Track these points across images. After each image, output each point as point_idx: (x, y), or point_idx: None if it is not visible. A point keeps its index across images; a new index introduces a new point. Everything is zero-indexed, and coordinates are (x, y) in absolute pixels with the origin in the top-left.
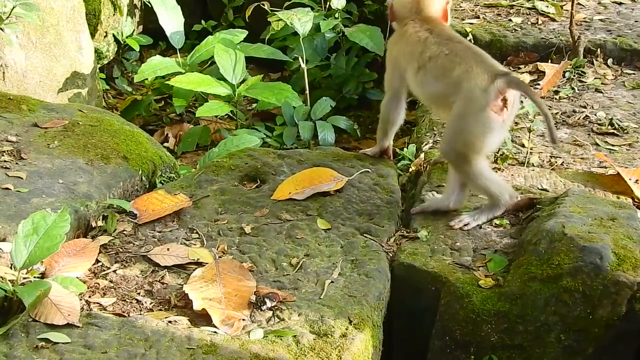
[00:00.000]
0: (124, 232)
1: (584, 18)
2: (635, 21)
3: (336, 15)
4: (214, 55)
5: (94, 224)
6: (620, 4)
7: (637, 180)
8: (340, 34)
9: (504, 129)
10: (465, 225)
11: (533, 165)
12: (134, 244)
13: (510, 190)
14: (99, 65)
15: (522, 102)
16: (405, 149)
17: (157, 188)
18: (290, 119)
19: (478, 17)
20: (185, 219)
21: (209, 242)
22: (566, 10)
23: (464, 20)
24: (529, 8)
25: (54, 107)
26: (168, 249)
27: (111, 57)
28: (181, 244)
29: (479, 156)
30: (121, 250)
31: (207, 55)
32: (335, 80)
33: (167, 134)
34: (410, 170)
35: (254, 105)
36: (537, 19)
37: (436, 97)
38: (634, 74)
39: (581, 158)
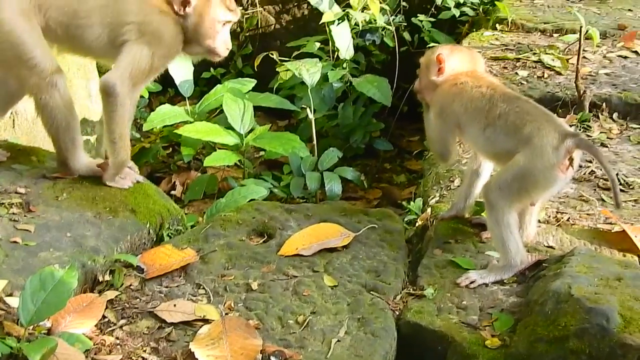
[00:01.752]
0: (131, 286)
1: (590, 72)
2: None
3: (344, 65)
4: (223, 105)
5: (101, 279)
6: (625, 57)
7: None
8: (348, 84)
9: (562, 186)
10: (471, 283)
11: (539, 222)
12: (140, 300)
13: (524, 254)
14: None
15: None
16: (412, 202)
17: (165, 242)
18: (297, 170)
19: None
20: (192, 274)
21: (215, 298)
22: (572, 63)
23: None
24: (534, 61)
25: None
26: (175, 305)
27: None
28: (188, 299)
29: (520, 206)
30: (128, 305)
31: (215, 104)
32: (343, 130)
33: (174, 182)
34: (417, 224)
35: (262, 153)
36: (543, 72)
37: (503, 152)
38: (639, 128)
39: (587, 214)
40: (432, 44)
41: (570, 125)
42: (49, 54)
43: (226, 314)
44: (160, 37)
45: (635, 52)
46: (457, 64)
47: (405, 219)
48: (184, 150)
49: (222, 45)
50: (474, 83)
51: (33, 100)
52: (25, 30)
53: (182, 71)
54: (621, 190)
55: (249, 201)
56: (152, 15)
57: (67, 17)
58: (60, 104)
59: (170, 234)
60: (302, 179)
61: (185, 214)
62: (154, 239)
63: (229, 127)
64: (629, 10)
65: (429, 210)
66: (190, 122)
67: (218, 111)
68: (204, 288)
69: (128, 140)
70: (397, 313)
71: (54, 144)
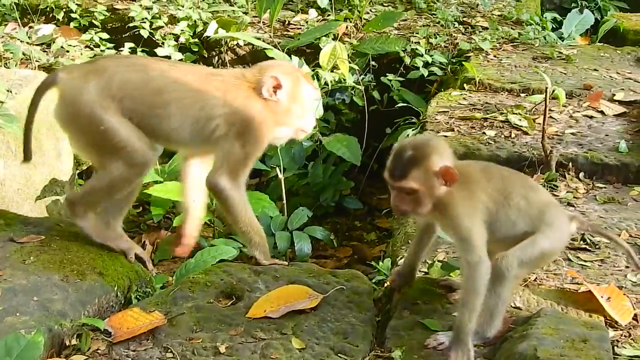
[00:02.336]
0: (98, 351)
1: (556, 131)
2: (606, 135)
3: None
4: None
5: (67, 343)
6: (591, 117)
7: (609, 298)
8: (318, 143)
9: None
10: (440, 345)
11: None
12: None
13: (500, 326)
14: (77, 172)
15: None
16: (380, 262)
17: (133, 305)
18: (267, 229)
19: (452, 130)
20: (160, 338)
21: None
22: (539, 123)
23: (438, 133)
24: (502, 121)
25: (31, 221)
26: None
27: (89, 164)
28: None
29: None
30: None
31: None
32: (313, 188)
33: (144, 242)
34: (385, 285)
35: None
36: (511, 132)
37: (520, 235)
38: (605, 187)
39: (554, 274)
40: (401, 103)
41: None
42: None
43: None
44: (250, 124)
45: (601, 111)
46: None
47: (374, 279)
48: (153, 210)
49: (311, 123)
50: (480, 175)
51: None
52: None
53: None
54: (587, 250)
55: (218, 262)
56: (239, 104)
57: (143, 107)
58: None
59: (138, 297)
60: (272, 239)
61: (156, 273)
62: (122, 302)
63: None
64: (595, 70)
65: (395, 269)
66: (160, 182)
67: None
68: (171, 352)
69: (255, 223)
70: None
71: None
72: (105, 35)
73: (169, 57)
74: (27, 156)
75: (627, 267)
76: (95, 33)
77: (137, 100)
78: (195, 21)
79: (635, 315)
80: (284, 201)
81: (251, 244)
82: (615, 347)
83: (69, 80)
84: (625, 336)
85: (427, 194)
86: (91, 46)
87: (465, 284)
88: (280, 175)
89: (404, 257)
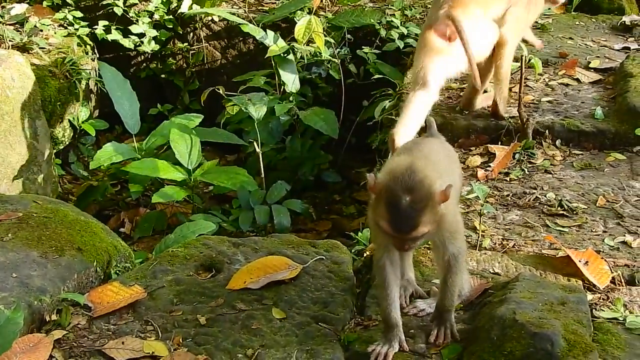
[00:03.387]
0: (79, 325)
1: (533, 100)
2: (582, 102)
3: (291, 98)
4: (170, 141)
5: (47, 318)
6: (567, 85)
7: (586, 262)
8: (295, 117)
9: None
10: (420, 312)
11: (485, 249)
12: (88, 338)
13: (470, 283)
14: (54, 151)
15: (471, 186)
16: (360, 232)
17: (112, 279)
18: (246, 203)
19: None
20: (140, 311)
21: (164, 335)
22: (515, 92)
23: None
24: None
25: (8, 198)
26: (123, 343)
27: (67, 142)
28: (136, 336)
29: None
30: (75, 344)
31: (163, 140)
32: (291, 163)
33: (123, 219)
34: (365, 255)
35: (211, 187)
36: None
37: None
38: (581, 154)
39: (532, 240)
40: (377, 76)
41: (514, 153)
42: None
43: (175, 349)
44: None
45: (577, 79)
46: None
47: (354, 250)
48: (132, 187)
49: None
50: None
51: None
52: None
53: (128, 109)
54: (565, 216)
55: (197, 236)
56: None
57: None
58: None
59: (118, 272)
60: (251, 213)
61: (135, 250)
62: (102, 277)
63: (177, 163)
64: (570, 38)
65: None
66: (138, 159)
67: (165, 147)
68: (152, 324)
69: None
70: (346, 343)
71: None
72: (78, 14)
73: (143, 35)
74: None
75: (604, 231)
76: (69, 11)
77: None
78: None
79: (613, 278)
80: (263, 175)
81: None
82: (594, 310)
83: None
84: (603, 299)
85: (435, 224)
86: (65, 25)
87: (452, 270)
88: (258, 150)
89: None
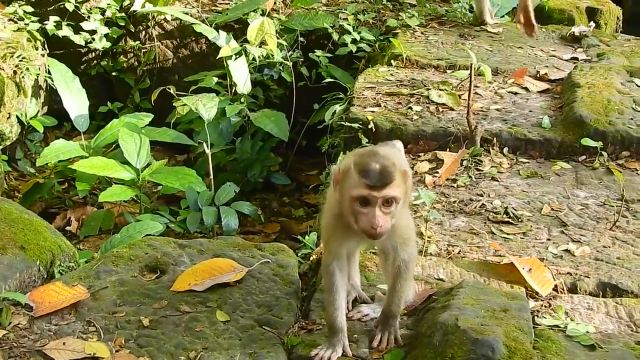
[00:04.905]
0: (19, 325)
1: (482, 107)
2: (530, 111)
3: (242, 100)
4: (119, 140)
5: None
6: (515, 94)
7: (530, 269)
8: (246, 119)
9: None
10: (364, 316)
11: (431, 255)
12: (29, 338)
13: (415, 288)
14: (1, 147)
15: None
16: (307, 236)
17: (55, 279)
18: (194, 204)
19: (379, 105)
20: (82, 312)
21: (106, 336)
22: (464, 99)
23: (365, 108)
24: (428, 97)
25: None
26: (64, 344)
27: (14, 139)
28: (78, 337)
29: None
30: (15, 345)
31: (111, 138)
32: (241, 164)
33: (69, 218)
34: (312, 258)
35: (159, 187)
36: (437, 107)
37: None
38: (528, 162)
39: (477, 247)
40: (329, 79)
41: (462, 160)
42: None
43: (117, 351)
44: None
45: (525, 88)
46: None
47: (300, 253)
48: (79, 186)
49: None
50: None
51: None
52: None
53: (77, 106)
54: (510, 223)
55: (143, 237)
56: None
57: None
58: None
59: (61, 271)
60: (199, 214)
61: (80, 250)
62: (45, 277)
63: (125, 162)
64: (519, 47)
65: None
66: (86, 157)
67: (114, 146)
68: (94, 325)
69: None
70: (289, 347)
71: None
72: (29, 9)
73: (94, 32)
74: None
75: (548, 239)
76: (19, 6)
77: None
78: None
79: (555, 286)
80: (212, 177)
81: None
82: (536, 317)
83: None
84: (545, 306)
85: (402, 199)
86: (15, 19)
87: (402, 276)
88: (208, 151)
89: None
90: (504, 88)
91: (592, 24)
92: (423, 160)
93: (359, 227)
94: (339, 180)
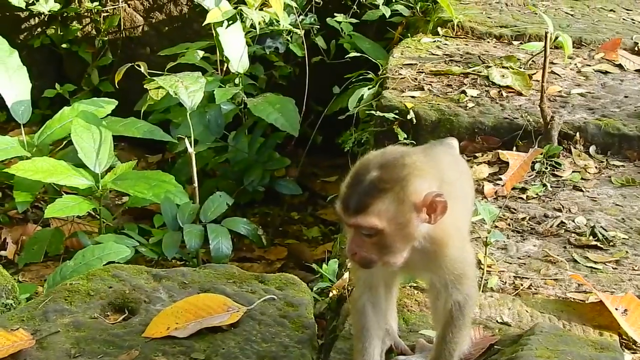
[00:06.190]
0: None
1: (560, 92)
2: (625, 96)
3: (236, 81)
4: (71, 134)
5: None
6: (606, 73)
7: (625, 310)
8: (242, 106)
9: None
10: None
11: (492, 290)
12: None
13: (471, 336)
14: None
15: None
16: (324, 264)
17: None
18: (172, 222)
19: (422, 89)
20: None
21: None
22: (536, 81)
23: (403, 92)
24: (487, 78)
25: None
26: None
27: None
28: None
29: None
30: None
31: (61, 132)
32: (235, 168)
33: (5, 239)
34: (331, 295)
35: (126, 198)
36: (499, 91)
37: None
38: (623, 166)
39: (554, 280)
40: (354, 54)
41: (534, 162)
42: None
43: None
44: None
45: (619, 65)
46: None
47: (316, 288)
48: (18, 197)
49: None
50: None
51: None
52: None
53: (15, 89)
54: (599, 248)
55: (105, 264)
56: None
57: None
58: None
59: None
60: (179, 234)
61: (20, 282)
62: None
63: (80, 165)
64: (611, 10)
65: (346, 275)
66: (27, 158)
67: (65, 143)
68: None
69: None
70: None
71: None
72: None
73: None
74: None
75: None
76: None
77: None
78: None
79: None
80: (196, 184)
81: None
82: None
83: None
84: None
85: (399, 236)
86: None
87: (454, 323)
88: (191, 150)
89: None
90: (590, 65)
91: None
92: (481, 163)
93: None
94: None
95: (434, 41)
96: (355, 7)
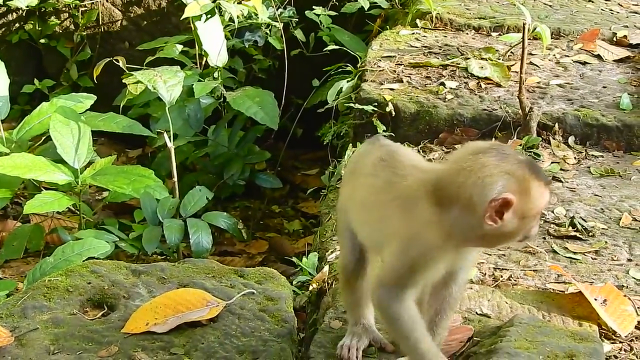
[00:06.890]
0: None
1: (538, 83)
2: (604, 87)
3: (215, 74)
4: (50, 130)
5: None
6: (584, 64)
7: (605, 300)
8: (221, 100)
9: None
10: None
11: (471, 282)
12: None
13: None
14: None
15: None
16: (304, 257)
17: None
18: (152, 216)
19: (401, 81)
20: None
21: None
22: (515, 72)
23: (382, 85)
24: (466, 69)
25: None
26: None
27: None
28: None
29: None
30: None
31: (40, 128)
32: (215, 162)
33: None
34: (311, 288)
35: (105, 194)
36: (478, 83)
37: None
38: (602, 156)
39: (534, 271)
40: (333, 46)
41: None
42: None
43: None
44: None
45: (598, 56)
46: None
47: (296, 281)
48: None
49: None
50: None
51: None
52: None
53: None
54: (578, 239)
55: (85, 260)
56: None
57: None
58: None
59: None
60: (159, 229)
61: (0, 279)
62: None
63: (59, 160)
64: (590, 1)
65: (326, 268)
66: (6, 154)
67: (44, 138)
68: None
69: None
70: None
71: None
72: None
73: None
74: None
75: (629, 260)
76: None
77: None
78: None
79: (639, 322)
80: (175, 179)
81: None
82: None
83: None
84: (625, 350)
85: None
86: None
87: (450, 307)
88: (170, 144)
89: None
90: (568, 56)
91: None
92: None
93: (529, 238)
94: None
95: (413, 33)
96: (333, 0)
